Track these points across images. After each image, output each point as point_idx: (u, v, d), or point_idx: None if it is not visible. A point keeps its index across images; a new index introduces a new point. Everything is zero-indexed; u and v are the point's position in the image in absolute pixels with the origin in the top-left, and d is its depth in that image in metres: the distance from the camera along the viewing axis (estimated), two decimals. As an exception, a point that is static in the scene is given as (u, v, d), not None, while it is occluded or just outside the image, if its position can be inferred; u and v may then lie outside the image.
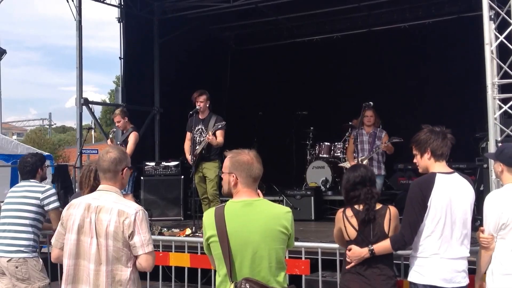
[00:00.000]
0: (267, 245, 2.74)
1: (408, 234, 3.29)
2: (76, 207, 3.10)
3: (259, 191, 3.07)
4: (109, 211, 3.01)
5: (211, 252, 2.82)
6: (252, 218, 2.77)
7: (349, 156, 7.45)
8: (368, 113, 7.11)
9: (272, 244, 2.76)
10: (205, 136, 6.67)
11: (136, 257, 3.02)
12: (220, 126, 6.66)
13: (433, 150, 3.34)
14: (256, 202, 2.83)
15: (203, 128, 6.79)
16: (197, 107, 6.80)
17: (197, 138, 6.82)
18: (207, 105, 6.86)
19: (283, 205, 8.42)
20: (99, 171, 3.17)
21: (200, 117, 6.88)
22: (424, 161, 3.40)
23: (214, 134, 6.63)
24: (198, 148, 6.74)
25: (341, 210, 3.54)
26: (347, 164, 7.69)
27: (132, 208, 3.03)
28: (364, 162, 6.80)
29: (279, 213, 2.84)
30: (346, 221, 3.45)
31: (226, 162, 2.89)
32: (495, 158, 3.50)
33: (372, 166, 6.78)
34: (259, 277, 2.72)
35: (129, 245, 2.99)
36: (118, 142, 7.31)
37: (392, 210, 3.47)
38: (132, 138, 7.15)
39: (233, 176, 2.83)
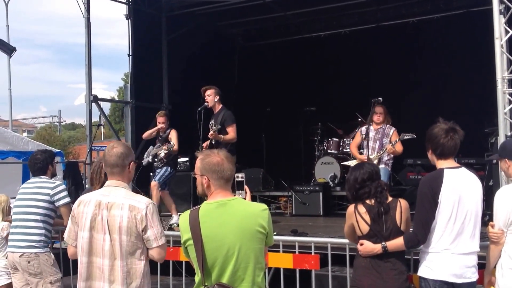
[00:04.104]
0: (244, 245, 2.67)
1: (421, 233, 3.29)
2: (86, 205, 3.11)
3: (246, 187, 3.04)
4: (120, 207, 3.04)
5: (189, 255, 2.76)
6: (227, 219, 2.69)
7: (353, 150, 7.11)
8: (377, 109, 6.77)
9: (249, 244, 2.68)
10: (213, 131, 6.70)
11: (147, 249, 3.09)
12: (215, 124, 6.59)
13: (439, 149, 3.35)
14: (230, 202, 2.75)
15: (213, 123, 6.83)
16: (205, 102, 6.84)
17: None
18: (215, 100, 6.84)
19: (292, 200, 8.50)
20: (106, 167, 3.18)
21: (214, 111, 6.92)
22: (431, 156, 3.44)
23: (222, 129, 6.63)
24: (206, 142, 6.79)
25: (352, 206, 3.51)
26: (352, 163, 7.31)
27: (142, 203, 3.07)
28: (375, 162, 6.53)
29: (254, 212, 2.76)
30: (359, 216, 3.43)
31: (198, 164, 2.83)
32: (499, 157, 3.49)
33: (380, 164, 6.54)
34: (238, 280, 2.65)
35: (142, 239, 3.05)
36: (159, 144, 7.35)
37: (403, 202, 3.47)
38: (174, 135, 7.29)
39: (205, 178, 2.77)
